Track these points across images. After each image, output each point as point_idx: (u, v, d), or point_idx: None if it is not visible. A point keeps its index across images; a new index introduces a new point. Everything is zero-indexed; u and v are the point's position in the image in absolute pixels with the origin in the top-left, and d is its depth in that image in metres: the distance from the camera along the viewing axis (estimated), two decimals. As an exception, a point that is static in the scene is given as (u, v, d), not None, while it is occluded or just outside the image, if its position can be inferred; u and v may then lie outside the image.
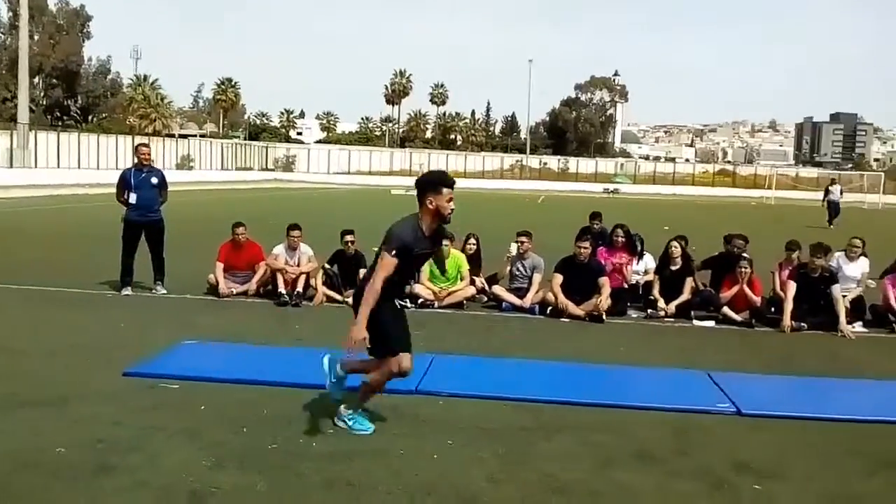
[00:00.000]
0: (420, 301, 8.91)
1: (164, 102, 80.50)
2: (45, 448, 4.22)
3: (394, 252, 4.34)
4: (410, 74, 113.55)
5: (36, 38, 69.60)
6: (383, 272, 4.35)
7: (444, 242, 9.03)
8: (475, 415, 5.09)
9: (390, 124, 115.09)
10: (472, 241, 9.78)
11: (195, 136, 74.33)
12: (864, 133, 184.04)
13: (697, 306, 8.86)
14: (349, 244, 9.18)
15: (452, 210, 4.46)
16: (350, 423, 4.69)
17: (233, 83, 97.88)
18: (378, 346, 4.51)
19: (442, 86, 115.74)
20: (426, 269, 9.09)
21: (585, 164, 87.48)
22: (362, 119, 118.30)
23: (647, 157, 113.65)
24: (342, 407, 4.74)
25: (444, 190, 4.43)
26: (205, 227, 14.42)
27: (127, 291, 9.13)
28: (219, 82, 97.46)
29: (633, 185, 74.29)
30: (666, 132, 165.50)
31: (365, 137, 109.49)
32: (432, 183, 4.46)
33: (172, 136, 68.82)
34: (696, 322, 8.66)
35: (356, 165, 79.49)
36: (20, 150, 43.01)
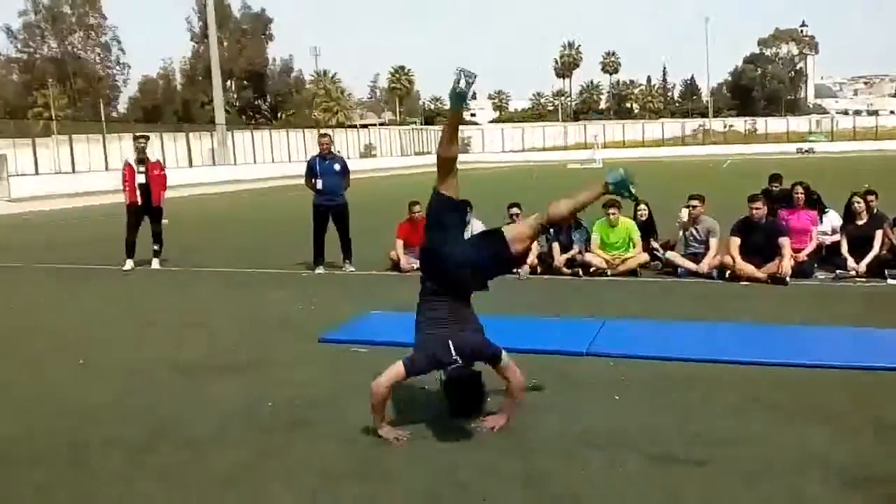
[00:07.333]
0: (592, 269, 9.02)
1: (344, 95, 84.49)
2: (253, 404, 4.84)
3: None
4: (580, 45, 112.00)
5: (224, 44, 75.30)
6: None
7: (612, 210, 9.07)
8: (645, 374, 5.19)
9: (562, 98, 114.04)
10: (643, 207, 9.69)
11: (375, 125, 77.66)
12: None
13: (892, 264, 8.33)
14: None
15: None
16: None
17: (406, 71, 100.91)
18: None
19: (613, 54, 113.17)
20: (596, 237, 9.17)
21: (775, 124, 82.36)
22: (534, 95, 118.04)
23: (845, 112, 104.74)
24: None
25: None
26: (386, 209, 15.20)
27: (320, 270, 9.93)
28: (392, 71, 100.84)
29: (831, 142, 69.23)
30: (866, 83, 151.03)
31: (538, 114, 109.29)
32: None
33: (354, 126, 72.23)
34: (890, 280, 8.15)
35: (530, 142, 79.66)
36: (221, 148, 47.00)
